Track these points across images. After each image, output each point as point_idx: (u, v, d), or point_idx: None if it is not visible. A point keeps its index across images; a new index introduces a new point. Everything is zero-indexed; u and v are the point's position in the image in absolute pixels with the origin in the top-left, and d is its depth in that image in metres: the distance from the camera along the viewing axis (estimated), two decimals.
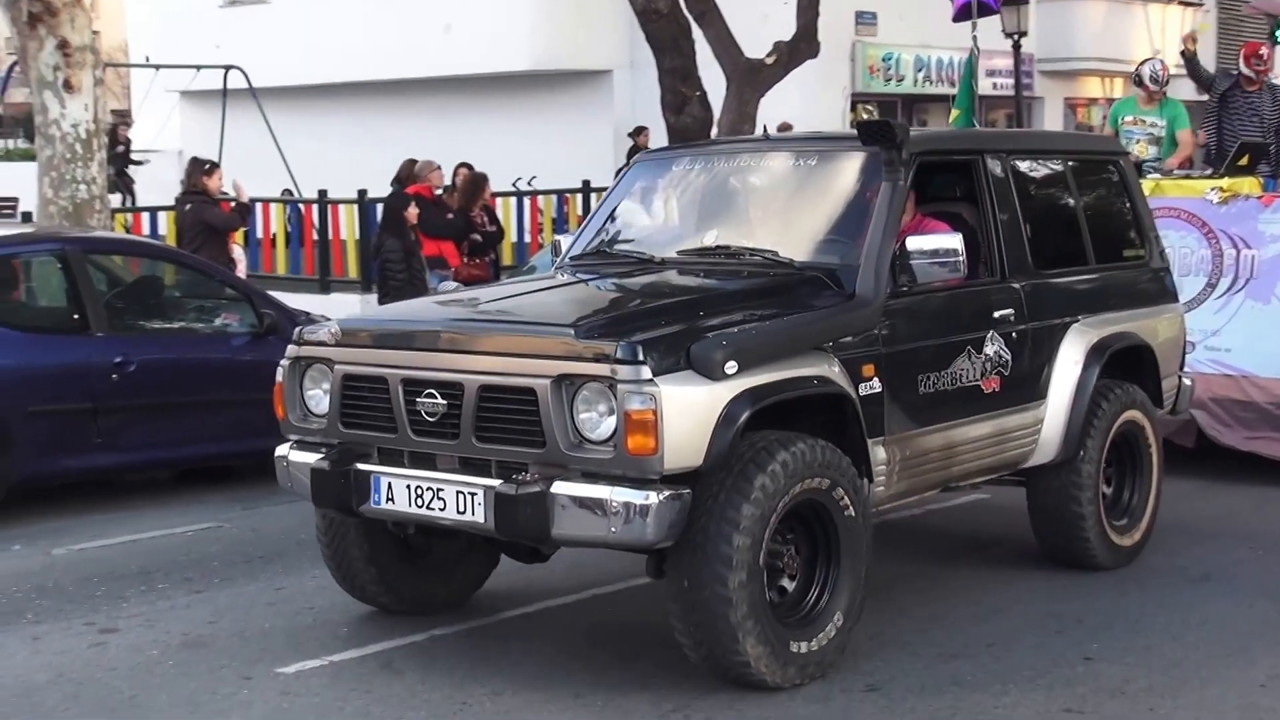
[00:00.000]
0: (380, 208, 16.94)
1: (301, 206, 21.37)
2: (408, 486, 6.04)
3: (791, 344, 6.07)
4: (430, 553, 6.99)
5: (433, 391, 5.95)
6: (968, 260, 6.82)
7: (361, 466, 6.18)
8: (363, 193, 19.40)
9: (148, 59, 27.84)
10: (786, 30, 16.99)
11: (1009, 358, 7.13)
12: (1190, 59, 13.54)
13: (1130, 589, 7.46)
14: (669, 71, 15.92)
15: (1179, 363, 8.47)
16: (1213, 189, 10.25)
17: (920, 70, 28.50)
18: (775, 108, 16.94)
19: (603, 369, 5.56)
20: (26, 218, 17.33)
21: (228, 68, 24.87)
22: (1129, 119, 12.63)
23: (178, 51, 27.46)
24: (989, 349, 7.03)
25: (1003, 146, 7.71)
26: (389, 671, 6.33)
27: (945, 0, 14.79)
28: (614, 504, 5.54)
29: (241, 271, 14.70)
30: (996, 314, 7.11)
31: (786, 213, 7.39)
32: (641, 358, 5.52)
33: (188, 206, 14.49)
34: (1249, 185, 10.50)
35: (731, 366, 5.66)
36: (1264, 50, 12.83)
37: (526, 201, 21.12)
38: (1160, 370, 8.11)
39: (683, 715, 5.75)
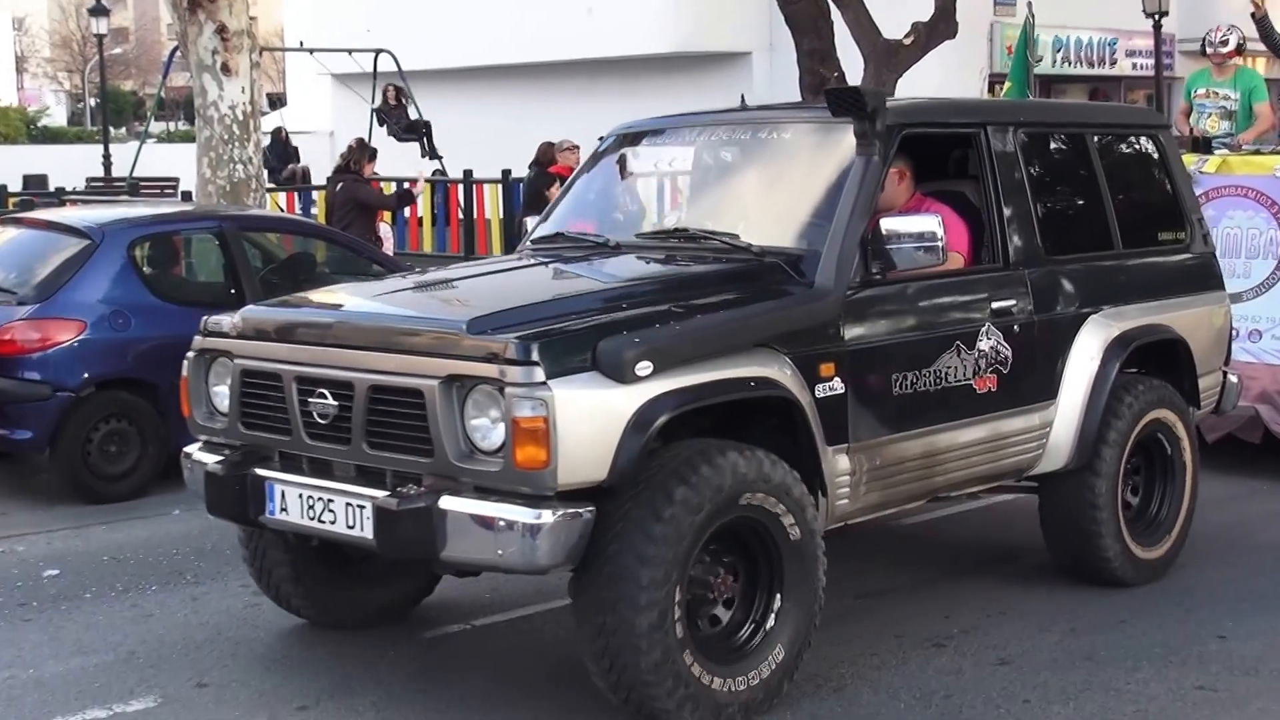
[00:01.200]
0: (523, 187, 17.11)
1: (448, 186, 21.64)
2: (300, 496, 5.37)
3: (727, 340, 5.23)
4: (364, 561, 6.26)
5: (324, 392, 5.26)
6: (972, 245, 6.31)
7: (259, 471, 5.52)
8: (506, 173, 19.61)
9: (301, 43, 28.19)
10: (924, 11, 16.82)
11: (1009, 354, 6.23)
12: (1260, 20, 11.79)
13: (1265, 568, 7.32)
14: (808, 53, 15.86)
15: (1223, 357, 7.54)
16: None
17: (1059, 50, 27.97)
18: (913, 89, 16.73)
19: (492, 370, 4.79)
20: (186, 197, 17.78)
21: (378, 51, 25.13)
22: (1201, 91, 11.39)
23: (330, 35, 27.82)
24: (984, 344, 6.13)
25: (1011, 118, 6.74)
26: (526, 634, 6.43)
27: None
28: (502, 522, 4.78)
29: (389, 249, 14.98)
30: (995, 305, 6.23)
31: (755, 192, 6.56)
32: (535, 358, 4.73)
33: (339, 185, 14.77)
34: None
35: (644, 368, 4.86)
36: None
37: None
38: (1198, 366, 7.16)
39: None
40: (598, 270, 6.18)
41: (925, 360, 5.90)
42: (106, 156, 34.24)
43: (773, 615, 5.30)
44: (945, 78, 19.03)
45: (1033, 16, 12.08)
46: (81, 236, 9.31)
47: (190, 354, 5.91)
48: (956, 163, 6.99)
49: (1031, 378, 6.40)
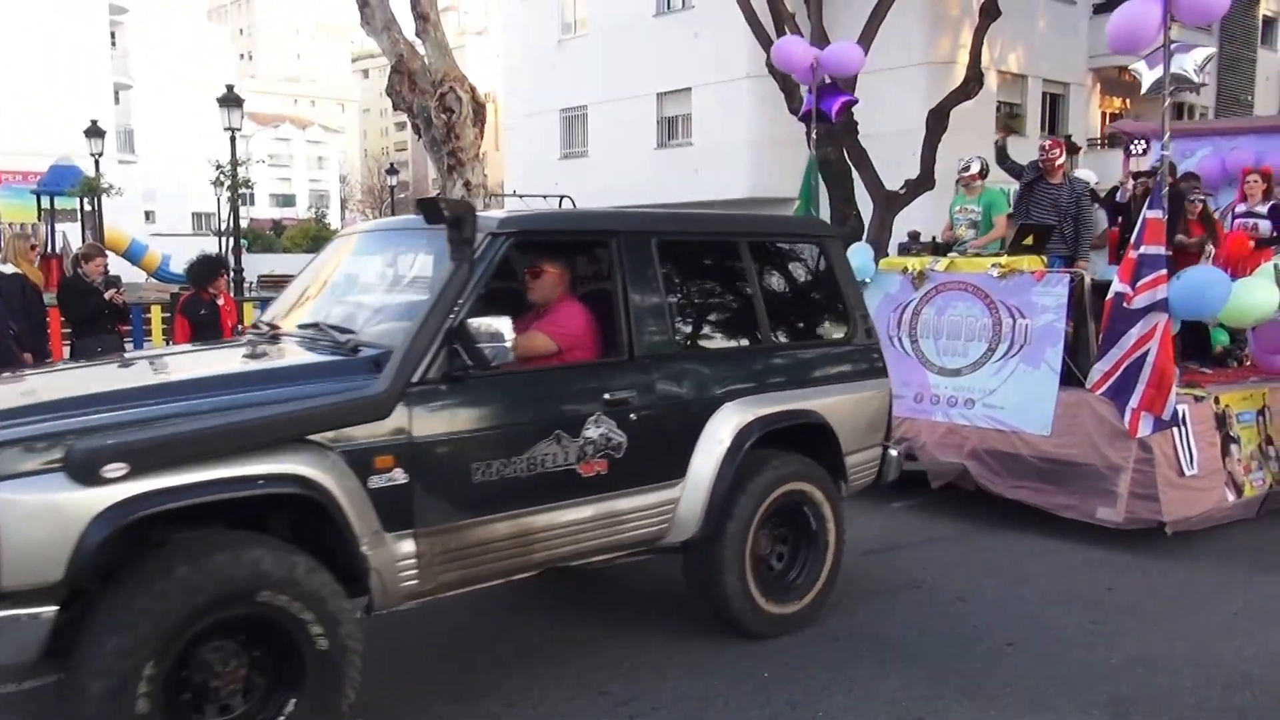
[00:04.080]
0: None
1: None
2: None
3: (242, 439, 3.46)
4: None
5: None
6: (602, 339, 4.61)
7: None
8: None
9: (515, 191, 28.65)
10: (913, 171, 16.74)
11: (623, 440, 4.41)
12: (998, 150, 10.11)
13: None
14: (836, 198, 15.83)
15: (881, 435, 5.52)
16: (994, 265, 7.83)
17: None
18: (906, 222, 16.69)
19: None
20: None
21: (561, 197, 25.45)
22: (957, 208, 9.77)
23: (533, 186, 28.33)
24: (592, 432, 4.32)
25: (648, 228, 4.77)
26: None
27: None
28: None
29: None
30: (609, 395, 4.41)
31: (389, 294, 4.68)
32: None
33: None
34: (1029, 262, 7.88)
35: (115, 469, 3.23)
36: (1046, 143, 9.80)
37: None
38: (844, 445, 5.23)
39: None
40: (197, 363, 4.42)
41: (516, 448, 4.11)
42: None
43: (284, 712, 3.56)
44: (925, 214, 18.69)
45: (813, 151, 10.37)
46: None
47: None
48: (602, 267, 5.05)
49: (652, 460, 4.55)
